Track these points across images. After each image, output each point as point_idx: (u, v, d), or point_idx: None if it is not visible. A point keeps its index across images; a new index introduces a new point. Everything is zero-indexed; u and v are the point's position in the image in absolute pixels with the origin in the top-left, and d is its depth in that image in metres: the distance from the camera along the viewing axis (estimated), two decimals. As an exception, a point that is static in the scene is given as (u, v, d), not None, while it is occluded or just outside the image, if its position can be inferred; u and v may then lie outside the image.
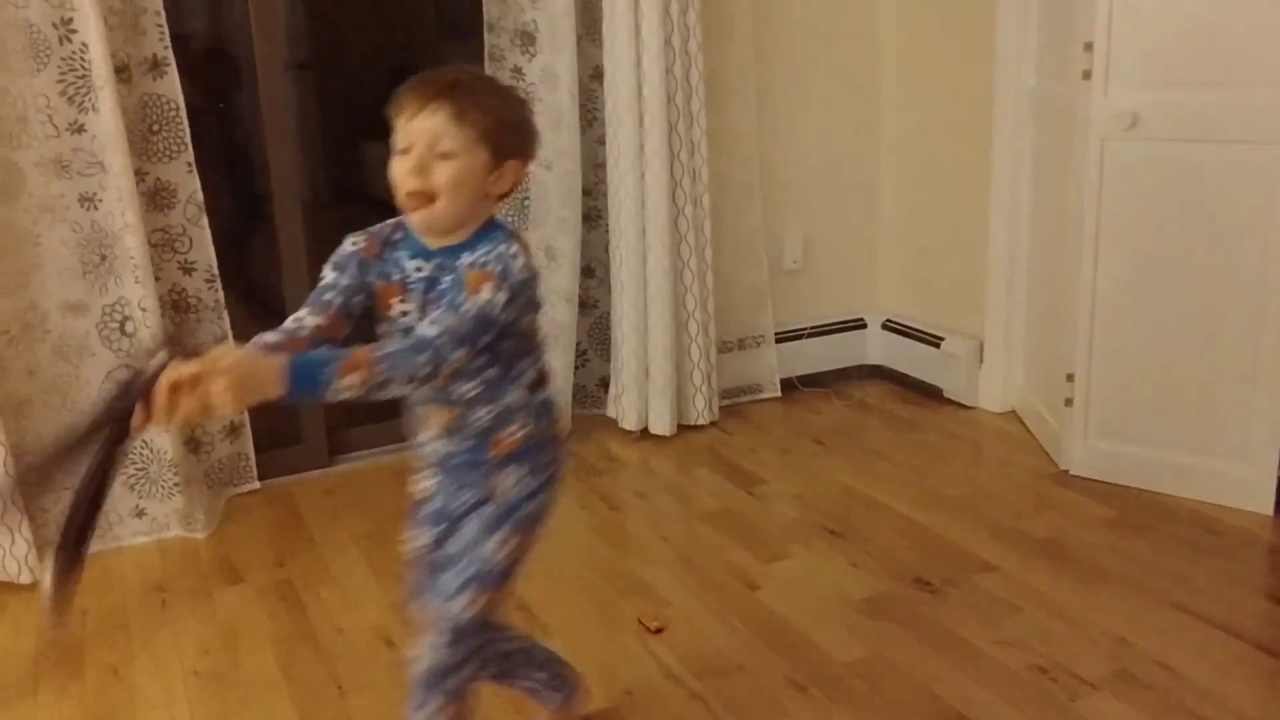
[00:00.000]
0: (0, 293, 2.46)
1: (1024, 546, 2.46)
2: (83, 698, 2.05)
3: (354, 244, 1.53)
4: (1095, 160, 2.60)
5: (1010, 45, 3.02)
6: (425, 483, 1.62)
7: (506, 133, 1.45)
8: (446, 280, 1.46)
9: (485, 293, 1.40)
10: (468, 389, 1.50)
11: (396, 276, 1.50)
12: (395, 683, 2.04)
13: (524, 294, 1.45)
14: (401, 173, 1.41)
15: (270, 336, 1.45)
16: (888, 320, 3.58)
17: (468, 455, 1.55)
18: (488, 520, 1.55)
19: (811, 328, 3.52)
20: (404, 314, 1.49)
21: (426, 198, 1.41)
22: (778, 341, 3.42)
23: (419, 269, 1.48)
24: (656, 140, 2.99)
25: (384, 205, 1.55)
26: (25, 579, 2.45)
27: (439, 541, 1.60)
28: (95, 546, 2.59)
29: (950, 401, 3.34)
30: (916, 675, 2.01)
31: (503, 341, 1.46)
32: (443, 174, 1.40)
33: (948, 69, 3.29)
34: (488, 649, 1.63)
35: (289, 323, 1.48)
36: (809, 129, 3.42)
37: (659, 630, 2.19)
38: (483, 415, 1.52)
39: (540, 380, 1.57)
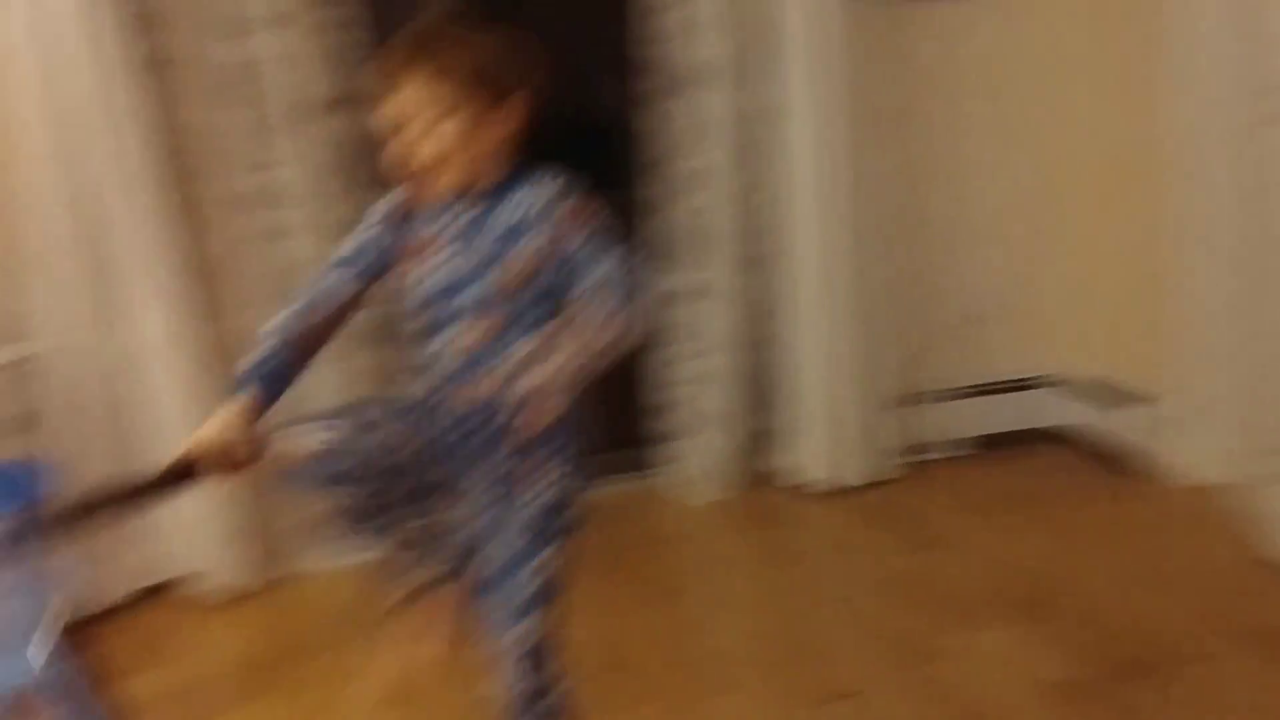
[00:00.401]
0: (198, 321, 2.57)
1: (1237, 637, 2.23)
2: (289, 707, 2.16)
3: (380, 213, 1.48)
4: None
5: (1206, 77, 2.77)
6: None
7: (496, 70, 1.37)
8: (498, 219, 1.40)
9: (592, 219, 1.38)
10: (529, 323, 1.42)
11: (427, 233, 1.45)
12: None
13: None
14: (405, 147, 1.37)
15: (300, 320, 1.42)
16: (1078, 381, 3.38)
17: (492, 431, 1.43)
18: (526, 539, 1.45)
19: (999, 383, 3.35)
20: (435, 269, 1.43)
21: (438, 165, 1.37)
22: (965, 397, 3.27)
23: (456, 218, 1.43)
24: (839, 178, 2.92)
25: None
26: (235, 592, 2.56)
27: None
28: (294, 567, 2.72)
29: (1143, 471, 3.12)
30: (1121, 773, 1.86)
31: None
32: (446, 136, 1.35)
33: (1134, 107, 3.09)
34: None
35: (317, 293, 1.44)
36: (994, 170, 3.26)
37: (837, 700, 2.09)
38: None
39: None
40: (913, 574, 2.60)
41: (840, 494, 3.04)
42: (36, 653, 1.86)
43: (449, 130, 1.35)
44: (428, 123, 1.35)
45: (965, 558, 2.68)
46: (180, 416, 2.47)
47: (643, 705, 2.09)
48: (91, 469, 2.41)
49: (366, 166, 2.67)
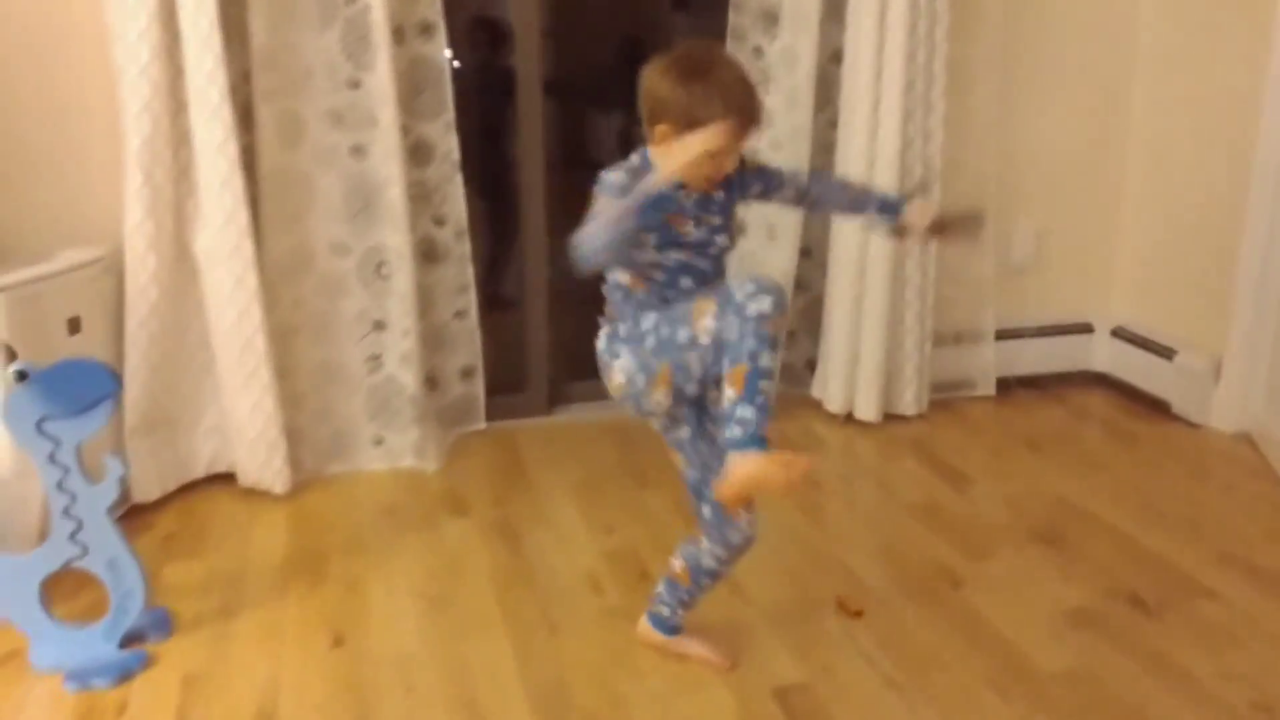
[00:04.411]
0: (278, 230, 2.70)
1: (1251, 577, 2.34)
2: (324, 605, 2.26)
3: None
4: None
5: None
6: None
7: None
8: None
9: None
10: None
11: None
12: (602, 628, 2.17)
13: None
14: (714, 166, 1.73)
15: None
16: (1117, 327, 3.43)
17: None
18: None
19: (1035, 328, 3.43)
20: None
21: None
22: (998, 339, 3.35)
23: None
24: (891, 126, 2.97)
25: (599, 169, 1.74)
26: (279, 489, 2.71)
27: None
28: (336, 468, 2.87)
29: (1178, 418, 3.19)
30: (1125, 694, 1.96)
31: None
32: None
33: (1208, 65, 3.11)
34: None
35: None
36: (1051, 121, 3.32)
37: (858, 614, 2.21)
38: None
39: None
40: (938, 505, 2.71)
41: (870, 426, 3.15)
42: (91, 534, 2.02)
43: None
44: (736, 153, 1.75)
45: (989, 492, 2.79)
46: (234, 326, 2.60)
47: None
48: (141, 375, 2.56)
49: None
